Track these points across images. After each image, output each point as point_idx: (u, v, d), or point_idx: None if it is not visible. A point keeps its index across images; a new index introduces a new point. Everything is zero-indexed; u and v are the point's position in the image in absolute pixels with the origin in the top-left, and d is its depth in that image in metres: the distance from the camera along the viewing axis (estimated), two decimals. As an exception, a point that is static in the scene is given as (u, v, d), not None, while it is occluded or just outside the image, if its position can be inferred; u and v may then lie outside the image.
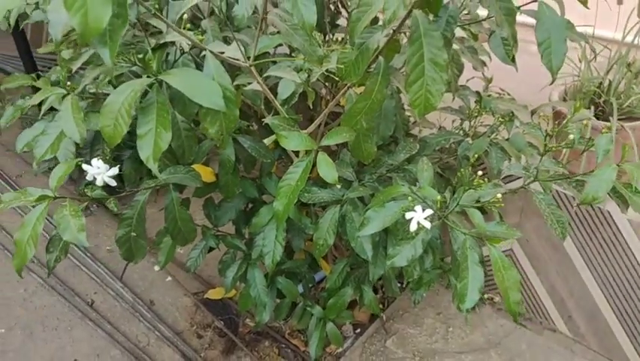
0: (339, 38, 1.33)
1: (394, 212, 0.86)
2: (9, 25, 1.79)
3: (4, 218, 2.33)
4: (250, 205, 1.39)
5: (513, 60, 0.90)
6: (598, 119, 1.53)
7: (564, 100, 1.65)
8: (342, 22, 1.49)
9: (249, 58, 0.84)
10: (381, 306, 1.84)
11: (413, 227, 0.80)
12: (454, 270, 0.89)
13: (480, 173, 0.85)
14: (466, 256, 0.82)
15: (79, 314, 1.87)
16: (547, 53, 0.86)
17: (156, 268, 2.06)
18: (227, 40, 1.04)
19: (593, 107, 1.53)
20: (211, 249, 1.45)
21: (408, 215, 0.81)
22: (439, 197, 0.84)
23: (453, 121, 1.38)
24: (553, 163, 0.94)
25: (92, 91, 1.02)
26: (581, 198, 0.84)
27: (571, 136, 0.88)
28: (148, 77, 0.79)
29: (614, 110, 1.45)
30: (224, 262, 1.47)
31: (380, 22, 0.82)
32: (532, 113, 1.18)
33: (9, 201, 0.84)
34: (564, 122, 0.93)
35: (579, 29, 1.07)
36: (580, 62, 1.51)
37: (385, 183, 1.14)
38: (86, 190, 0.90)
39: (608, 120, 1.52)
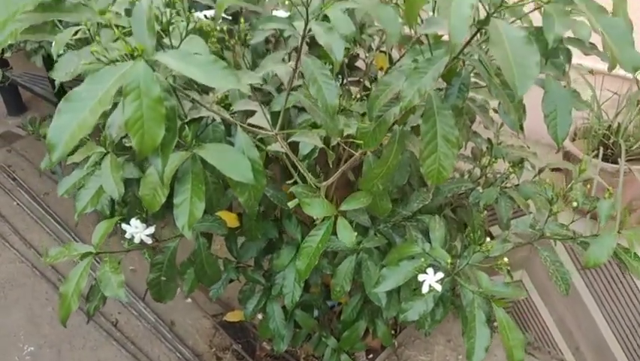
0: (356, 90, 1.40)
1: (408, 271, 0.93)
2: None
3: (33, 236, 2.43)
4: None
5: (521, 128, 0.96)
6: (607, 160, 1.58)
7: (573, 140, 1.70)
8: (359, 63, 1.56)
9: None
10: (392, 332, 1.91)
11: (425, 289, 0.87)
12: (462, 323, 0.96)
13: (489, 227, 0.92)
14: (474, 315, 0.88)
15: (104, 334, 1.96)
16: (552, 125, 0.91)
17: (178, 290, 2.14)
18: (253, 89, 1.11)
19: (602, 148, 1.58)
20: (232, 280, 1.53)
21: (420, 277, 0.88)
22: (449, 259, 0.91)
23: (464, 162, 1.44)
24: (558, 226, 1.00)
25: (128, 145, 1.10)
26: (583, 262, 0.90)
27: (574, 203, 0.94)
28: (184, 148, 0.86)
29: (622, 153, 1.50)
30: (244, 292, 1.54)
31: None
32: (540, 171, 1.23)
33: (54, 255, 0.92)
34: (569, 185, 0.99)
35: (590, 65, 1.10)
36: (589, 106, 1.56)
37: (400, 231, 1.20)
38: (123, 243, 0.98)
39: (616, 162, 1.57)
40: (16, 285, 2.21)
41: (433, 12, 0.75)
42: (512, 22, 0.73)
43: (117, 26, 0.67)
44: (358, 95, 1.32)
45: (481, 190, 1.28)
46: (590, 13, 0.58)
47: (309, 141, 0.96)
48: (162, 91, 0.59)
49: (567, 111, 0.91)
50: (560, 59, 0.72)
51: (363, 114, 1.16)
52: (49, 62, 2.52)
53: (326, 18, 0.79)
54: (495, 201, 1.24)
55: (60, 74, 0.69)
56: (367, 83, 1.46)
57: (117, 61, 0.61)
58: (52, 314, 2.08)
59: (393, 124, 0.92)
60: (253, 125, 0.94)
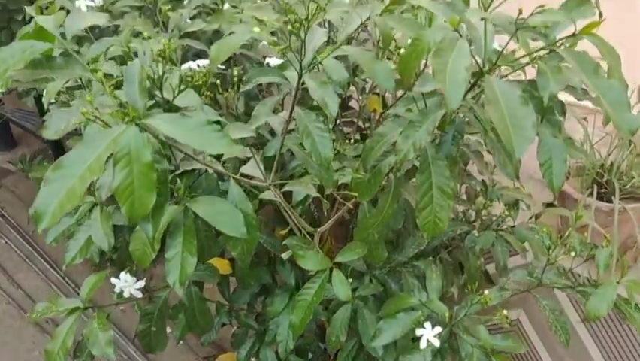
0: (349, 131, 1.40)
1: (405, 324, 0.91)
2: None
3: (21, 276, 2.38)
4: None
5: (517, 176, 0.96)
6: (601, 198, 1.57)
7: (567, 178, 1.70)
8: (352, 102, 1.56)
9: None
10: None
11: (423, 345, 0.84)
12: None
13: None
14: (474, 370, 0.86)
15: (93, 378, 1.90)
16: (548, 173, 0.91)
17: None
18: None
19: (596, 186, 1.58)
20: (224, 323, 1.50)
21: (418, 332, 0.86)
22: (447, 313, 0.89)
23: (459, 204, 1.43)
24: (556, 275, 0.99)
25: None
26: (584, 314, 0.88)
27: (572, 253, 0.93)
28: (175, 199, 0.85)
29: (617, 192, 1.50)
30: (236, 335, 1.51)
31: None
32: (536, 218, 1.23)
33: (41, 311, 0.89)
34: (567, 233, 0.98)
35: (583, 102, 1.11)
36: (582, 144, 1.57)
37: (396, 276, 1.18)
38: (113, 295, 0.95)
39: (610, 200, 1.57)
40: (2, 327, 2.15)
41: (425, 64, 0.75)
42: (504, 77, 0.72)
43: (106, 77, 0.66)
44: (352, 138, 1.32)
45: (477, 234, 1.26)
46: (585, 74, 0.58)
47: (303, 191, 0.94)
48: (154, 153, 0.58)
49: (562, 160, 0.90)
50: (556, 116, 0.72)
51: (358, 156, 1.15)
52: (40, 101, 2.51)
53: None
54: (491, 245, 1.23)
55: (50, 133, 0.67)
56: (360, 124, 1.46)
57: (107, 125, 0.60)
58: (38, 358, 2.02)
59: (389, 172, 0.91)
60: (246, 176, 0.93)
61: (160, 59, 0.71)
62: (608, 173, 1.59)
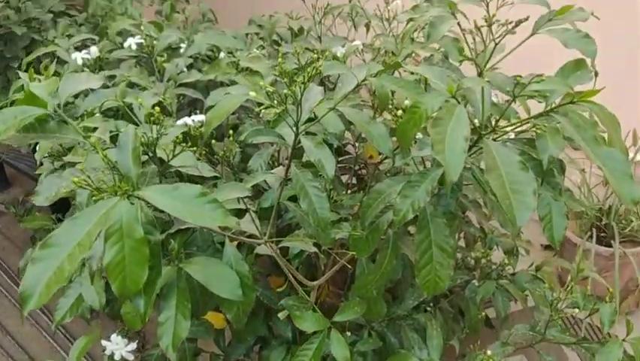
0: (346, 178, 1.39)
1: (406, 385, 0.88)
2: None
3: (10, 322, 2.32)
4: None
5: (518, 235, 0.95)
6: (600, 242, 1.56)
7: (566, 221, 1.69)
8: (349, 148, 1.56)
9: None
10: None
11: (425, 409, 0.81)
12: None
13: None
14: None
15: None
16: (548, 227, 0.89)
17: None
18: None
19: (595, 230, 1.57)
20: (219, 375, 1.45)
21: (419, 395, 0.83)
22: (449, 374, 0.86)
23: (458, 251, 1.41)
24: (559, 331, 0.96)
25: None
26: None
27: (575, 310, 0.91)
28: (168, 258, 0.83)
29: (616, 237, 1.49)
30: (231, 388, 1.46)
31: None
32: (537, 269, 1.21)
33: (28, 376, 0.86)
34: (568, 285, 0.96)
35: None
36: (580, 188, 1.57)
37: (395, 328, 1.15)
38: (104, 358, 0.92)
39: (610, 244, 1.55)
40: (-11, 376, 2.09)
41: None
42: (497, 137, 0.72)
43: (100, 147, 0.65)
44: (349, 184, 1.31)
45: (477, 283, 1.24)
46: (584, 142, 0.57)
47: (300, 247, 0.93)
48: (146, 224, 0.57)
49: (562, 213, 0.90)
50: (556, 179, 0.71)
51: (355, 215, 1.14)
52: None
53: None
54: (492, 295, 1.20)
55: (41, 199, 0.66)
56: (357, 170, 1.46)
57: (99, 193, 0.59)
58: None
59: (387, 228, 0.90)
60: (241, 233, 0.91)
61: (152, 121, 0.70)
62: (607, 216, 1.59)
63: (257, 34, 1.56)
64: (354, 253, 0.86)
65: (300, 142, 0.78)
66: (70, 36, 1.67)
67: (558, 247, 0.91)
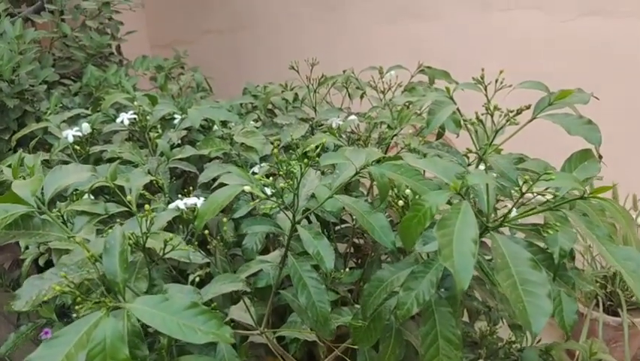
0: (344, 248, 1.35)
1: None
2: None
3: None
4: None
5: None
6: (607, 311, 1.51)
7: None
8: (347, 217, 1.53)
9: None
10: None
11: None
12: None
13: None
14: None
15: None
16: (559, 311, 0.85)
17: None
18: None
19: (600, 298, 1.52)
20: None
21: None
22: None
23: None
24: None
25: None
26: None
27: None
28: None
29: (624, 306, 1.44)
30: None
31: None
32: (547, 351, 1.16)
33: None
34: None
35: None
36: (583, 255, 1.53)
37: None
38: None
39: (617, 313, 1.50)
40: None
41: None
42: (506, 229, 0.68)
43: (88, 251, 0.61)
44: (347, 253, 1.27)
45: (483, 363, 1.18)
46: (598, 240, 0.54)
47: (299, 336, 0.88)
48: (132, 337, 0.52)
49: (572, 299, 0.86)
50: (568, 272, 0.67)
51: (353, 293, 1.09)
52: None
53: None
54: (500, 375, 1.14)
55: (21, 304, 0.61)
56: (355, 240, 1.42)
57: (83, 300, 0.55)
58: None
59: (390, 316, 0.85)
60: (234, 321, 0.86)
61: (142, 216, 0.66)
62: (612, 284, 1.54)
63: (252, 103, 1.55)
64: (354, 346, 0.80)
65: (296, 231, 0.75)
66: (63, 107, 1.66)
67: (570, 332, 0.86)
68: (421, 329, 0.78)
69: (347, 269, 1.12)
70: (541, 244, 0.67)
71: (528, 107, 0.66)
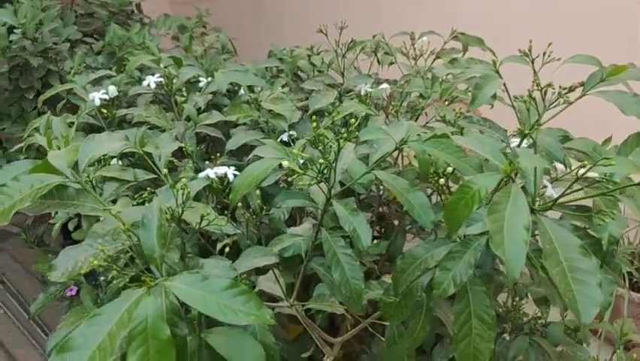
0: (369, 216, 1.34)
1: None
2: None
3: (19, 352, 2.28)
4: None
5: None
6: (632, 288, 1.49)
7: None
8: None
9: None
10: None
11: None
12: None
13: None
14: None
15: None
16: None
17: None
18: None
19: (626, 274, 1.50)
20: None
21: None
22: None
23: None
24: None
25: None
26: None
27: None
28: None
29: (650, 282, 1.42)
30: None
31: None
32: (575, 330, 1.15)
33: None
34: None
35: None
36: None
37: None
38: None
39: (642, 290, 1.49)
40: (-2, 410, 2.04)
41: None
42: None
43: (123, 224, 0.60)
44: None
45: (507, 337, 1.18)
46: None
47: (329, 310, 0.87)
48: (172, 315, 0.52)
49: (611, 281, 0.84)
50: (615, 260, 0.65)
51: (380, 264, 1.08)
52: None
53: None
54: (525, 352, 1.14)
55: (57, 275, 0.61)
56: (381, 209, 1.40)
57: (121, 275, 0.54)
58: None
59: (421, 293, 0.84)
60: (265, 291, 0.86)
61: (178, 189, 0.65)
62: (638, 260, 1.52)
63: (277, 67, 1.52)
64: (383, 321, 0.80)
65: (331, 205, 0.73)
66: (87, 66, 1.64)
67: (603, 313, 0.85)
68: (454, 307, 0.76)
69: (374, 241, 1.10)
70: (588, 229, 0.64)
71: (582, 84, 0.62)
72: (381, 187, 1.34)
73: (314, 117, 0.65)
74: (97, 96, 1.13)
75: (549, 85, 0.62)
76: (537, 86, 0.63)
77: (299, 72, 1.55)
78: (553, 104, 0.63)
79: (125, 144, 0.73)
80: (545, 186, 0.66)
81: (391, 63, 1.36)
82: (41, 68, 1.59)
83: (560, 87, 0.62)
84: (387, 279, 0.97)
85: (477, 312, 0.76)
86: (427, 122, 1.13)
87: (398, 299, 0.82)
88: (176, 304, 0.53)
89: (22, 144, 1.04)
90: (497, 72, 0.70)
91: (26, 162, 0.77)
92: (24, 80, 1.62)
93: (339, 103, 1.27)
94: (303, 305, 0.87)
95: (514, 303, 1.19)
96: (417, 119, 1.16)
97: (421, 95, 1.11)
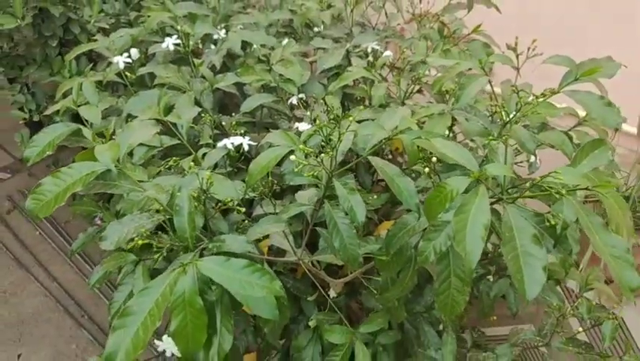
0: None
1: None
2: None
3: (56, 269, 2.52)
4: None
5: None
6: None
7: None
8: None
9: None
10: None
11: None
12: None
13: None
14: None
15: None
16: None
17: None
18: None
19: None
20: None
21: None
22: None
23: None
24: (563, 343, 1.06)
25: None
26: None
27: (580, 329, 1.00)
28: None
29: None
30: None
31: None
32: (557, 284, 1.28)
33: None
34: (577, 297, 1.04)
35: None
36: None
37: (414, 321, 1.27)
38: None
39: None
40: (41, 320, 2.31)
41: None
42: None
43: (158, 203, 0.73)
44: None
45: (491, 278, 1.33)
46: (594, 230, 0.63)
47: (332, 261, 1.02)
48: (202, 284, 0.66)
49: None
50: (569, 242, 0.76)
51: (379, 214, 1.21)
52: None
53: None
54: (505, 291, 1.30)
55: (107, 244, 0.75)
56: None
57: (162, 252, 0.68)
58: (76, 352, 2.17)
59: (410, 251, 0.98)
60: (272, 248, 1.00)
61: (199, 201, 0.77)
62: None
63: (290, 20, 1.57)
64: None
65: (332, 182, 0.85)
66: (106, 14, 1.71)
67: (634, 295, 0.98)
68: (437, 266, 0.90)
69: (374, 196, 1.23)
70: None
71: (554, 93, 0.71)
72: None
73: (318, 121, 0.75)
74: (121, 60, 1.22)
75: (503, 107, 0.71)
76: (514, 90, 0.72)
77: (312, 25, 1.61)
78: (519, 110, 0.72)
79: (155, 129, 0.84)
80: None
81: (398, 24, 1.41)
82: (62, 16, 1.66)
83: (535, 95, 0.71)
84: (382, 234, 1.10)
85: (456, 271, 0.90)
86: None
87: (390, 257, 0.96)
88: (206, 277, 0.67)
89: (58, 107, 1.15)
90: (483, 69, 0.78)
91: (61, 126, 0.90)
92: (46, 27, 1.69)
93: (347, 62, 1.35)
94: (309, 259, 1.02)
95: (499, 249, 1.33)
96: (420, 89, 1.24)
97: (422, 61, 1.19)
